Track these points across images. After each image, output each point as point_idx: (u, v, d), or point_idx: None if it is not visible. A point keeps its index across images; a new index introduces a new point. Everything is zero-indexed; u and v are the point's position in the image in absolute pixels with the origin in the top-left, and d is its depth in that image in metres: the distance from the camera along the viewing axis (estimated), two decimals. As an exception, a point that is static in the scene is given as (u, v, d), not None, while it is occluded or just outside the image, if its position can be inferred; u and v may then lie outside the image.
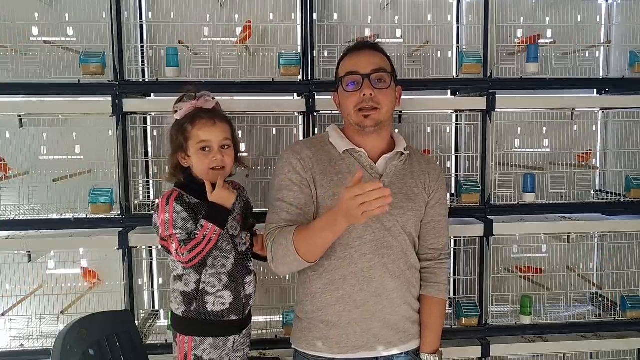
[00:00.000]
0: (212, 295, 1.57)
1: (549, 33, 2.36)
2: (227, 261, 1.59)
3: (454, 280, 2.33)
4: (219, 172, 1.57)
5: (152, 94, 2.21)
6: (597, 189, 2.50)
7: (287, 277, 2.31)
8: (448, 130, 2.41)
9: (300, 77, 2.06)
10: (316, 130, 2.04)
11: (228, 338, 1.62)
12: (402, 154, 1.57)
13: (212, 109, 1.61)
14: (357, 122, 1.51)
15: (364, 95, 1.47)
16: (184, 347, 1.58)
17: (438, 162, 1.80)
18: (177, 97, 1.62)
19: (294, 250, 1.39)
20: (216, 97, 1.64)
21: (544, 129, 2.42)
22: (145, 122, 2.19)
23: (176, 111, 1.60)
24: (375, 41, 1.71)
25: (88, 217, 2.03)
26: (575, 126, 2.40)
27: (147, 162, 2.25)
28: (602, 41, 2.41)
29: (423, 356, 1.56)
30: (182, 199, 1.54)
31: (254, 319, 2.18)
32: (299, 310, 1.59)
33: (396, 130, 1.70)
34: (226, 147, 1.59)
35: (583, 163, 2.34)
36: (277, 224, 1.48)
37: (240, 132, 2.26)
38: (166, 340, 2.05)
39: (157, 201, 2.16)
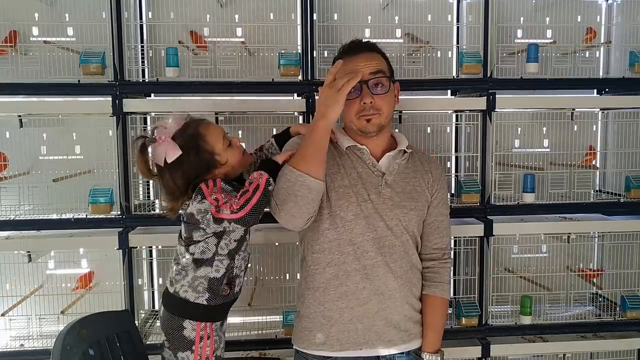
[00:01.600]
0: (239, 278, 1.59)
1: (549, 33, 2.36)
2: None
3: (454, 280, 2.32)
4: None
5: (152, 94, 2.20)
6: (597, 189, 2.50)
7: (287, 277, 2.31)
8: (448, 130, 2.41)
9: (300, 77, 2.06)
10: (316, 130, 2.04)
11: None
12: (405, 152, 1.57)
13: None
14: (360, 128, 1.51)
15: (364, 103, 1.46)
16: (207, 332, 1.55)
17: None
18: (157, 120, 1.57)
19: (291, 169, 1.38)
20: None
21: (544, 129, 2.42)
22: (145, 122, 2.18)
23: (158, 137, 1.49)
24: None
25: (88, 217, 2.03)
26: (575, 126, 2.40)
27: (147, 162, 2.25)
28: (602, 41, 2.41)
29: (425, 356, 1.55)
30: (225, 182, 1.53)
31: (254, 319, 2.21)
32: (300, 305, 1.59)
33: (396, 130, 1.70)
34: None
35: (584, 163, 2.34)
36: None
37: (240, 132, 2.27)
38: (166, 341, 2.05)
39: (159, 202, 2.20)
